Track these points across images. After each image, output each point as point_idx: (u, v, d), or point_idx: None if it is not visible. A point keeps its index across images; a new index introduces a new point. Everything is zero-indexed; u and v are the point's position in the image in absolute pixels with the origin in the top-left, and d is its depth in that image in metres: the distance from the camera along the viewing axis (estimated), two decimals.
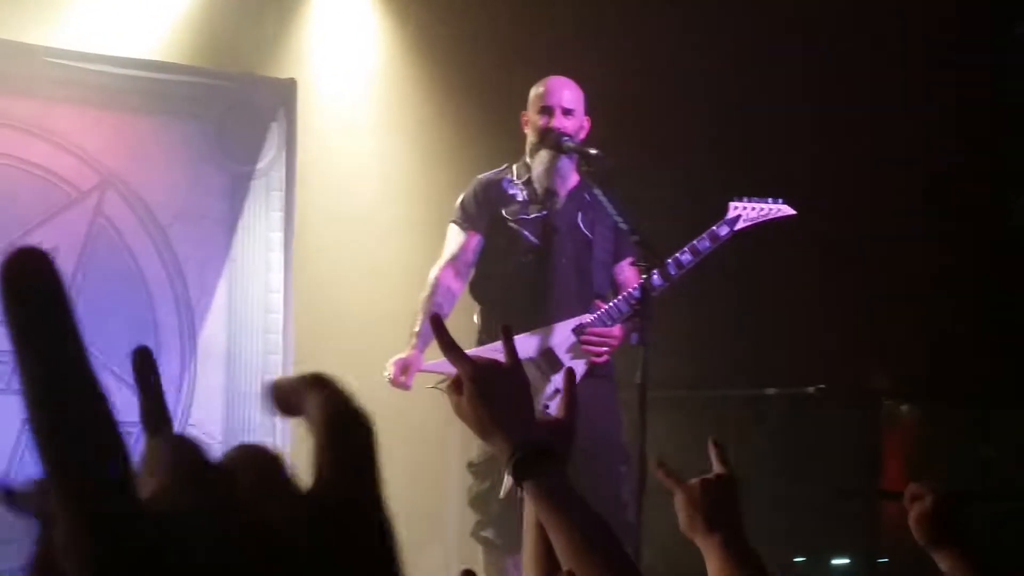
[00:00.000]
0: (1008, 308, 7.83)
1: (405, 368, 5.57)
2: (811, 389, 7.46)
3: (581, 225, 5.77)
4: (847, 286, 8.05)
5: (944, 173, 7.89)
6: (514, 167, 5.90)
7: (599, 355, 5.61)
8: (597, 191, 5.59)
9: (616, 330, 5.61)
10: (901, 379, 8.03)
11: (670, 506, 6.88)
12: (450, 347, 2.40)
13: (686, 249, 5.65)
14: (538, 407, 5.53)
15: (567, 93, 5.84)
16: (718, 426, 7.85)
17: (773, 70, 8.26)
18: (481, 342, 5.76)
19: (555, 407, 5.48)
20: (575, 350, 5.60)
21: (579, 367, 5.59)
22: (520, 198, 5.79)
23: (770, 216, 5.83)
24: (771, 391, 7.67)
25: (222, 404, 7.24)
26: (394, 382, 5.57)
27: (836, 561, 7.81)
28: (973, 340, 7.87)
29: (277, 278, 7.38)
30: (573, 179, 5.81)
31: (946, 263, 7.90)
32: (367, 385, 5.87)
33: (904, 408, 8.03)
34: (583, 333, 5.59)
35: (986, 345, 7.84)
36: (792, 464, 7.68)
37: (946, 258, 7.91)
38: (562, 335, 5.60)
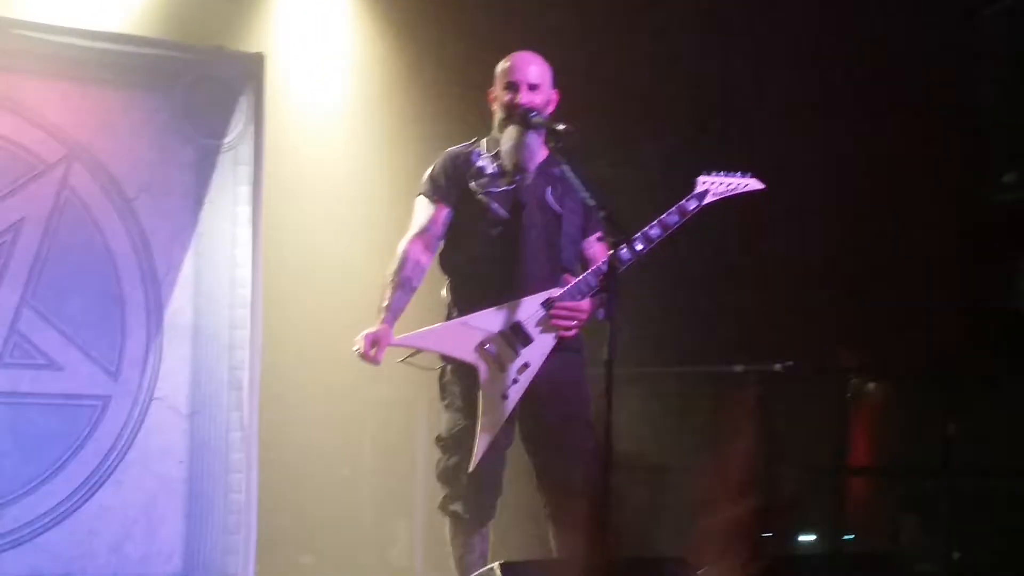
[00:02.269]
0: (976, 288, 7.86)
1: (375, 342, 5.55)
2: (778, 366, 7.47)
3: (550, 199, 5.76)
4: (815, 264, 8.07)
5: (916, 151, 7.91)
6: (483, 141, 5.88)
7: (568, 328, 5.61)
8: (565, 166, 5.57)
9: (585, 304, 5.60)
10: (868, 357, 8.06)
11: (636, 481, 6.85)
12: None
13: (655, 223, 5.63)
14: (506, 381, 5.53)
15: (533, 68, 5.82)
16: (685, 403, 7.88)
17: (746, 49, 8.27)
18: (450, 316, 5.75)
19: (524, 380, 5.53)
20: (544, 324, 5.59)
21: (548, 341, 5.59)
22: (489, 171, 5.78)
23: (738, 190, 5.81)
24: (738, 368, 7.68)
25: (188, 378, 7.21)
26: (364, 356, 5.56)
27: (802, 537, 7.84)
28: (940, 319, 7.90)
29: (244, 252, 7.35)
30: (542, 153, 5.79)
31: (914, 242, 7.93)
32: (335, 359, 5.87)
33: (871, 386, 8.06)
34: (552, 307, 5.59)
35: (952, 325, 7.87)
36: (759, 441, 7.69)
37: (914, 237, 7.94)
38: (531, 309, 5.59)
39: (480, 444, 5.54)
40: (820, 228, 8.09)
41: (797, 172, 7.60)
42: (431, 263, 5.80)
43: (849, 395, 7.83)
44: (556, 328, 5.59)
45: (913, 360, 7.96)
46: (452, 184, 5.78)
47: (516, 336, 5.57)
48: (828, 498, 7.70)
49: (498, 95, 5.83)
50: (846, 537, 7.63)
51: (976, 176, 7.81)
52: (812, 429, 7.70)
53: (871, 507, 8.06)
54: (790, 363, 7.49)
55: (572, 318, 5.59)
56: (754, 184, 5.85)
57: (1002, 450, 7.56)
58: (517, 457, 5.83)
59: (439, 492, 5.83)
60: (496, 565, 4.51)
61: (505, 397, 5.54)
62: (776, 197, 6.05)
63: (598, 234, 5.77)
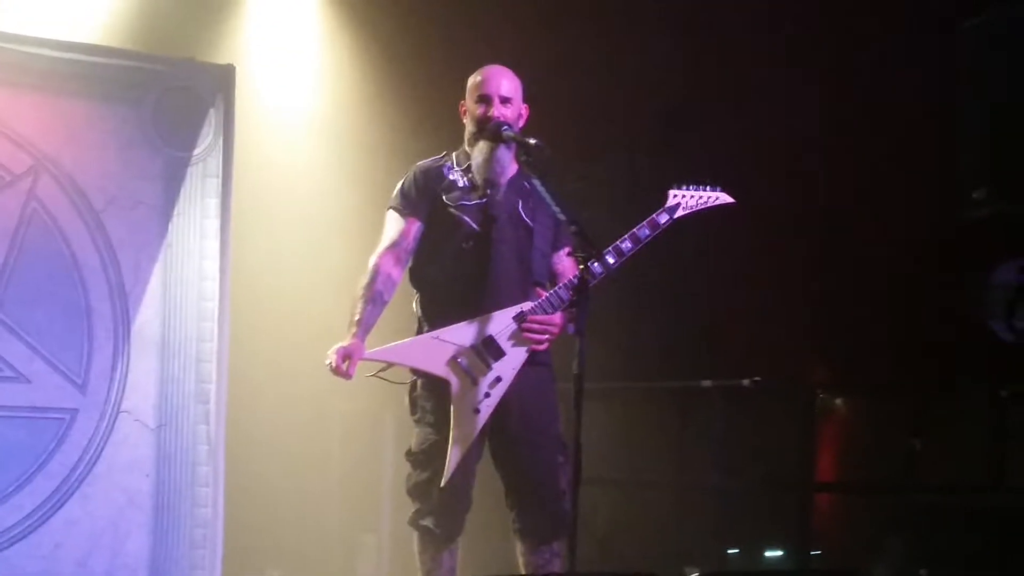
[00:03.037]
0: (945, 303, 7.88)
1: (347, 356, 5.52)
2: (746, 382, 7.47)
3: (522, 213, 5.75)
4: (784, 280, 8.08)
5: (885, 166, 7.93)
6: (454, 155, 5.88)
7: (540, 342, 5.60)
8: (536, 181, 5.57)
9: (557, 318, 5.60)
10: (835, 373, 8.07)
11: (605, 496, 6.86)
12: None
13: (626, 237, 5.64)
14: (478, 395, 5.52)
15: (505, 82, 5.82)
16: (653, 418, 7.88)
17: (715, 62, 8.29)
18: (420, 330, 5.74)
19: (496, 394, 5.52)
20: (516, 337, 5.58)
21: (520, 355, 5.58)
22: (460, 184, 5.78)
23: (709, 204, 5.83)
24: (706, 383, 7.68)
25: (156, 390, 7.18)
26: (336, 371, 5.52)
27: (769, 553, 7.84)
28: (908, 335, 7.91)
29: (212, 265, 7.32)
30: (512, 168, 5.80)
31: (883, 258, 7.95)
32: (303, 372, 5.87)
33: (838, 401, 8.07)
34: (524, 320, 5.58)
35: (920, 340, 7.89)
36: (726, 456, 7.71)
37: (883, 252, 7.95)
38: (503, 322, 5.58)
39: (452, 459, 5.52)
40: (788, 243, 8.09)
41: (766, 188, 7.62)
42: (402, 277, 5.78)
43: (816, 410, 7.83)
44: (528, 341, 5.58)
45: (880, 375, 7.98)
46: (423, 198, 5.77)
47: (488, 350, 5.56)
48: (795, 514, 7.70)
49: (470, 108, 5.83)
50: (813, 553, 7.63)
51: (945, 192, 7.82)
52: (779, 444, 7.71)
53: (839, 523, 8.06)
54: (758, 378, 7.50)
55: (544, 331, 5.59)
56: (724, 198, 5.87)
57: (968, 465, 7.58)
58: (484, 472, 5.81)
59: (407, 506, 5.81)
60: None
61: (477, 411, 5.53)
62: (745, 212, 6.06)
63: (567, 248, 5.78)
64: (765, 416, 7.74)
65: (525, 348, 5.59)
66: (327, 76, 8.62)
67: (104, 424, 7.02)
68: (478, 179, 5.76)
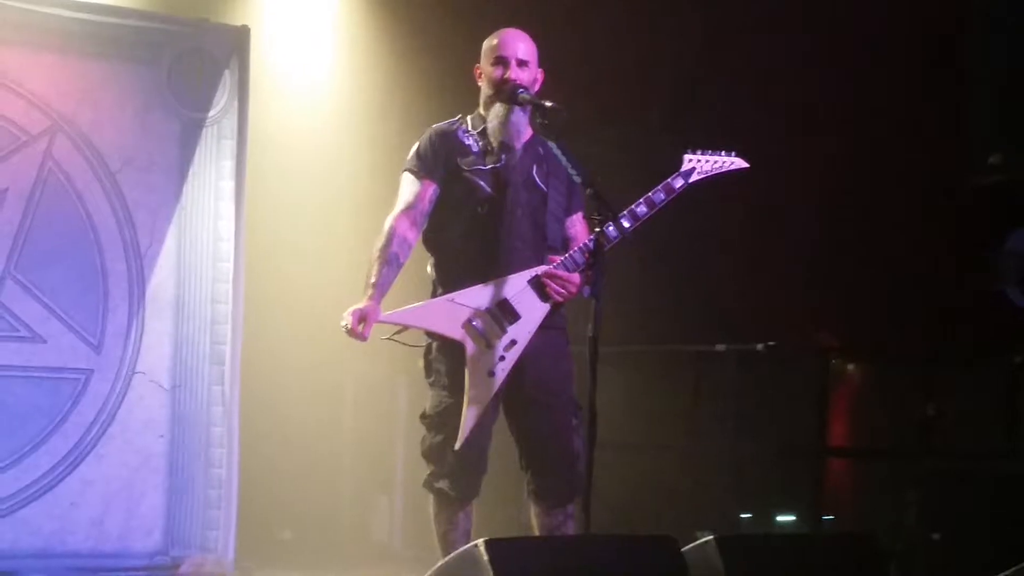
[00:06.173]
0: (959, 269, 7.88)
1: (362, 318, 5.51)
2: (760, 346, 7.48)
3: (536, 177, 5.74)
4: (798, 245, 8.08)
5: (901, 132, 7.91)
6: (468, 118, 5.87)
7: (559, 295, 5.57)
8: (551, 144, 5.57)
9: (576, 277, 5.59)
10: (849, 338, 8.08)
11: (618, 460, 6.84)
12: None
13: (641, 201, 5.64)
14: (494, 358, 5.52)
15: (521, 45, 5.81)
16: (667, 382, 7.89)
17: (728, 25, 8.27)
18: (435, 293, 5.74)
19: (511, 357, 5.51)
20: (531, 300, 5.57)
21: (535, 318, 5.58)
22: (475, 149, 5.76)
23: (724, 168, 5.82)
24: (720, 347, 7.69)
25: (170, 352, 7.21)
26: (351, 333, 5.51)
27: (781, 518, 7.86)
28: (920, 301, 7.92)
29: (227, 227, 7.34)
30: (528, 132, 5.78)
31: (897, 223, 7.95)
32: (316, 335, 5.89)
33: (851, 367, 8.08)
34: (540, 282, 5.57)
35: (932, 307, 7.90)
36: (739, 421, 7.72)
37: (898, 218, 7.95)
38: (518, 286, 5.58)
39: (467, 422, 5.52)
40: (803, 209, 8.09)
41: (780, 155, 7.61)
42: (418, 239, 5.78)
43: (829, 376, 7.84)
44: (547, 295, 5.55)
45: (894, 341, 7.98)
46: (439, 160, 5.76)
47: (503, 313, 5.56)
48: (808, 478, 7.72)
49: (485, 71, 5.82)
50: (825, 517, 7.65)
51: (961, 157, 7.82)
52: (792, 409, 7.72)
53: (851, 488, 8.08)
54: (772, 343, 7.51)
55: (563, 287, 5.58)
56: (739, 162, 5.86)
57: (981, 431, 7.59)
58: (499, 434, 5.82)
59: (419, 469, 5.81)
60: (480, 542, 4.50)
61: (492, 374, 5.53)
62: (760, 178, 6.06)
63: (580, 213, 5.78)
64: (778, 381, 7.75)
65: (540, 311, 5.59)
66: (342, 39, 8.61)
67: (119, 385, 7.05)
68: (493, 142, 5.76)
